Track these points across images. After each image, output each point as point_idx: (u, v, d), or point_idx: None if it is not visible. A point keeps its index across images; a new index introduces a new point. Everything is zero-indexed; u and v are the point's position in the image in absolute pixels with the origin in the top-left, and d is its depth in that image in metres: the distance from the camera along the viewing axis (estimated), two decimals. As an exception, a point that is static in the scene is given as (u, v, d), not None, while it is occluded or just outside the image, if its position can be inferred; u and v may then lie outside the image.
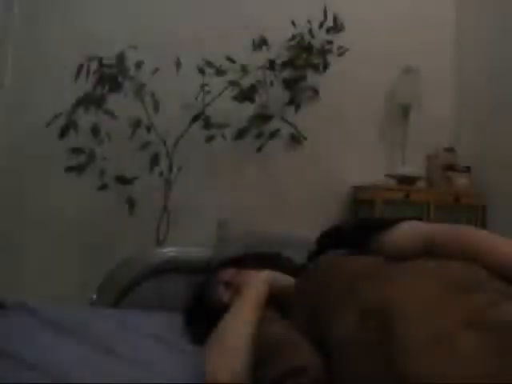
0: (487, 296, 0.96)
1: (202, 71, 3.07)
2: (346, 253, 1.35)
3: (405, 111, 3.54)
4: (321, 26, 3.34)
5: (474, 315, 0.92)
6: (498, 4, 3.35)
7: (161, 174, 3.06)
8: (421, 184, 3.44)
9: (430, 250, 1.22)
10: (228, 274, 1.63)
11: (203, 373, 1.27)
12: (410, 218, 1.38)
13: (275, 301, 1.40)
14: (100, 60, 2.91)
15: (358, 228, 1.42)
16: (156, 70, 3.00)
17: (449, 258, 1.15)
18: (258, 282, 1.46)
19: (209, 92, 3.11)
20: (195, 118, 3.08)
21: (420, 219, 1.41)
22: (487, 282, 1.01)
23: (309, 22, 3.31)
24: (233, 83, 3.10)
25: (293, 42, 3.31)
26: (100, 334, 1.49)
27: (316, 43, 3.34)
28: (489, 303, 0.94)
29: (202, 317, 1.61)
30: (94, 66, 2.91)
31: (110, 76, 2.90)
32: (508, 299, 0.95)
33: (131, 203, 3.06)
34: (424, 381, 0.84)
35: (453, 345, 0.88)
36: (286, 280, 1.49)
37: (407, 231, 1.32)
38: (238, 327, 1.31)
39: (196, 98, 3.12)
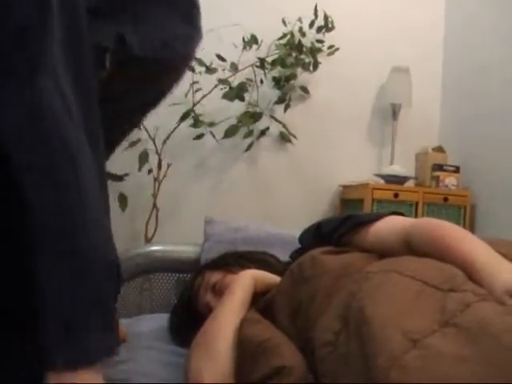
0: (462, 296, 0.96)
1: (191, 69, 3.07)
2: (328, 250, 1.35)
3: (394, 110, 3.55)
4: (311, 24, 3.35)
5: (448, 316, 0.93)
6: (486, 5, 3.36)
7: (150, 171, 3.06)
8: (410, 183, 3.45)
9: (409, 244, 1.23)
10: (215, 277, 1.62)
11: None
12: (393, 213, 1.39)
13: (258, 301, 1.40)
14: (90, 57, 2.90)
15: (341, 223, 1.42)
16: (146, 67, 3.00)
17: (424, 255, 1.16)
18: (242, 281, 1.46)
19: (198, 90, 3.11)
20: (184, 116, 3.08)
21: (402, 214, 1.42)
22: (463, 283, 1.02)
23: (299, 20, 3.31)
24: (222, 81, 3.11)
25: (283, 41, 3.31)
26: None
27: (306, 42, 3.34)
28: (463, 304, 0.94)
29: (189, 320, 1.60)
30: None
31: (100, 73, 2.89)
32: (482, 300, 0.95)
33: (123, 200, 3.04)
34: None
35: (427, 346, 0.88)
36: (271, 278, 1.49)
37: (390, 225, 1.33)
38: (222, 328, 1.32)
39: (186, 96, 3.12)
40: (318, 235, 1.47)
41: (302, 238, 1.56)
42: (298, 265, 1.34)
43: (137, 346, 1.55)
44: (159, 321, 1.79)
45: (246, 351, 1.21)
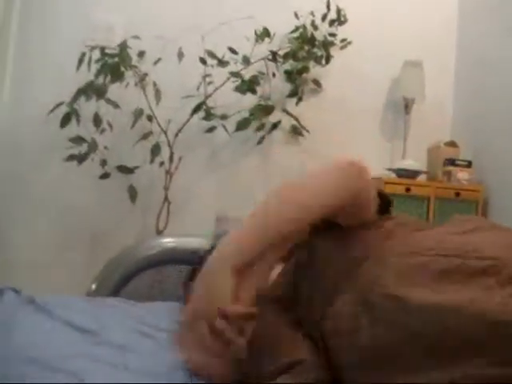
0: (482, 283, 0.96)
1: (204, 62, 3.07)
2: (338, 234, 1.34)
3: (407, 104, 3.53)
4: (324, 18, 3.33)
5: (478, 299, 0.92)
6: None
7: (161, 164, 3.06)
8: (422, 178, 3.44)
9: None
10: None
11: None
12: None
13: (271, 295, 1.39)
14: (102, 49, 2.91)
15: None
16: (158, 59, 3.00)
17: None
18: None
19: (210, 83, 3.11)
20: (196, 109, 3.08)
21: None
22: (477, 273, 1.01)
23: (312, 13, 3.30)
24: (235, 74, 3.10)
25: (295, 34, 3.30)
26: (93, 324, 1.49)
27: (319, 35, 3.33)
28: (485, 291, 0.93)
29: None
30: (96, 55, 2.91)
31: (112, 65, 2.89)
32: (503, 286, 0.94)
33: (133, 192, 3.05)
34: None
35: None
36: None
37: None
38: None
39: (198, 89, 3.12)
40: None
41: None
42: (308, 249, 1.33)
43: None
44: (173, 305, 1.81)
45: (261, 345, 1.19)
